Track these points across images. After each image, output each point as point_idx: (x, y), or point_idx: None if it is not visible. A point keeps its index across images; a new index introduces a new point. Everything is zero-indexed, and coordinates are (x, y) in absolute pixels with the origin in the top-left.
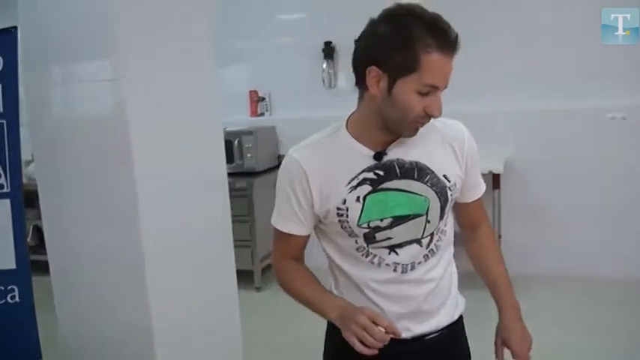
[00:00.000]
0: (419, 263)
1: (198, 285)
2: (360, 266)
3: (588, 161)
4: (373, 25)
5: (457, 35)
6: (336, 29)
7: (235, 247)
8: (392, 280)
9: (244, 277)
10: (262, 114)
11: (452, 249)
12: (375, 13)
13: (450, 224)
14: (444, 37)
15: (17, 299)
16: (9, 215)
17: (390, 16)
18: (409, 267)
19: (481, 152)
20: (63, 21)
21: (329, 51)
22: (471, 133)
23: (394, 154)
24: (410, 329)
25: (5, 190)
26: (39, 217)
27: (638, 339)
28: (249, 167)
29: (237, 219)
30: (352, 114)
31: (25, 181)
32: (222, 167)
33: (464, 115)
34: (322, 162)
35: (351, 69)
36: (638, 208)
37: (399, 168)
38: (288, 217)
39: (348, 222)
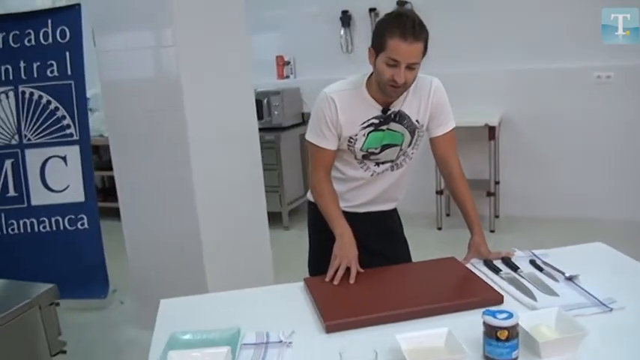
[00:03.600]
0: (385, 171)
1: (236, 214)
2: (354, 170)
3: (576, 115)
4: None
5: (416, 25)
6: None
7: (266, 192)
8: (368, 178)
9: (274, 218)
10: (288, 76)
11: (410, 169)
12: None
13: (415, 153)
14: (403, 27)
15: (86, 226)
16: (78, 158)
17: (384, 14)
18: (381, 174)
19: (479, 107)
20: None
21: (346, 19)
22: (471, 90)
23: (393, 107)
24: (369, 207)
25: (75, 137)
26: (99, 169)
27: None
28: (277, 123)
29: (266, 167)
30: (371, 75)
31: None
32: (253, 122)
33: (464, 74)
34: (348, 105)
35: (364, 35)
36: (621, 156)
37: (393, 116)
38: (321, 134)
39: (354, 147)
